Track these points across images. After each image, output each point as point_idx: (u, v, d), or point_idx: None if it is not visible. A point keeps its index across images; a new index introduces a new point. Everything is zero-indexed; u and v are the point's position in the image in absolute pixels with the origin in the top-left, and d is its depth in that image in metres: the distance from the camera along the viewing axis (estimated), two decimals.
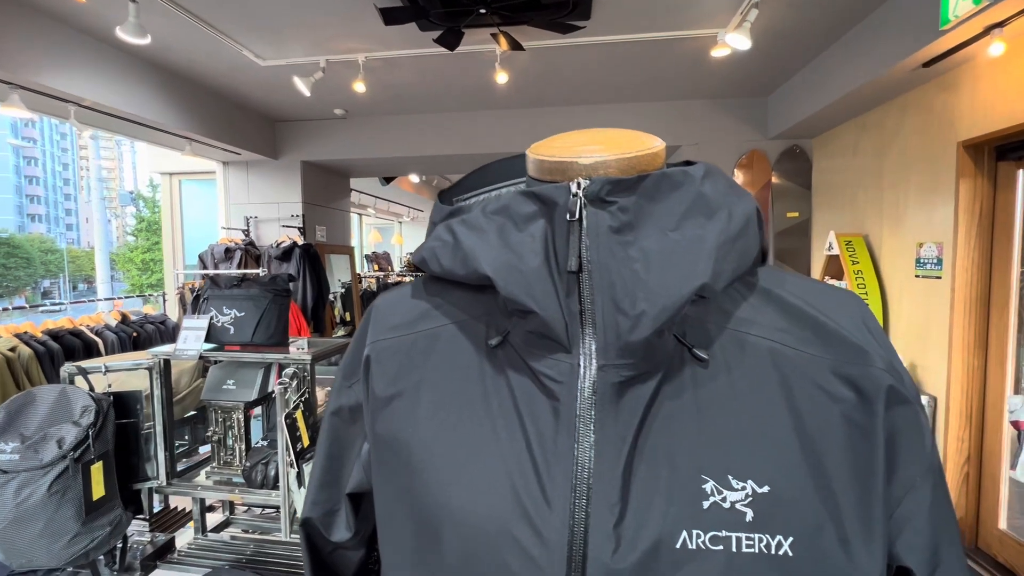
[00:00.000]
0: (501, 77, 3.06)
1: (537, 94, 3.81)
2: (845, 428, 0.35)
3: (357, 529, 0.48)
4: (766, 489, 0.34)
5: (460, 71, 3.32)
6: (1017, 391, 2.29)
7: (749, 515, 0.33)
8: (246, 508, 2.02)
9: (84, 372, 1.46)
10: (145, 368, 1.51)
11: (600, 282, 0.36)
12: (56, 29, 2.66)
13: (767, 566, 0.33)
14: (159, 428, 1.51)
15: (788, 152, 3.90)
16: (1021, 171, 2.30)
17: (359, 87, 3.16)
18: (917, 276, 2.68)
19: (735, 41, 2.45)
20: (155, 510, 1.87)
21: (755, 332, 0.37)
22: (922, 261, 2.63)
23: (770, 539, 0.33)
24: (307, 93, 3.15)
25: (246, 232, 4.44)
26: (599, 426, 0.35)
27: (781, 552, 0.33)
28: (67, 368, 1.48)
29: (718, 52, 2.81)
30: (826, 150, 3.68)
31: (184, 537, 1.76)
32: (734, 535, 0.33)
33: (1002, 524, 2.40)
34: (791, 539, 0.33)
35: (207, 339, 1.52)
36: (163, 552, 1.62)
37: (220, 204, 4.64)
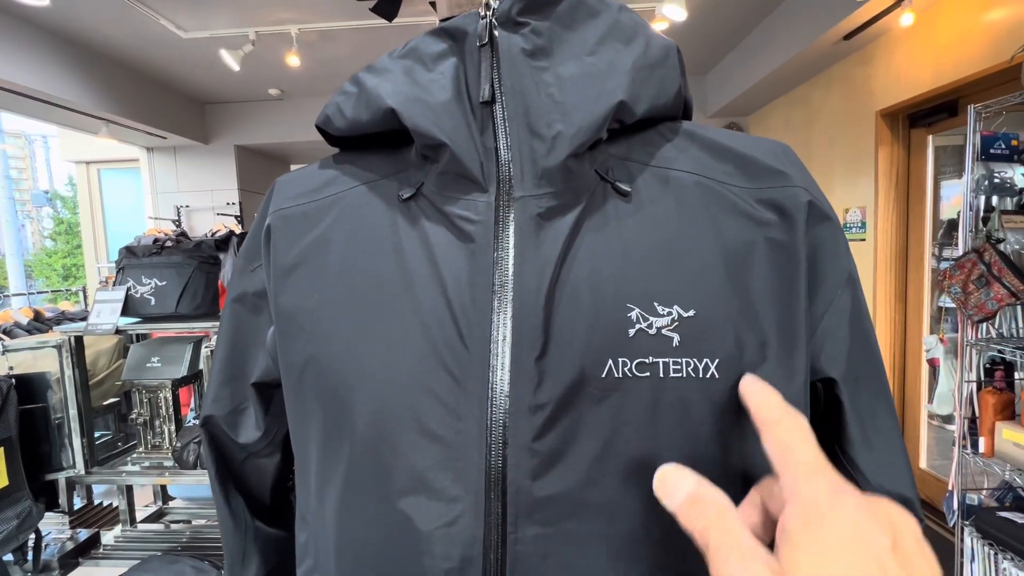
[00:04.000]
0: None
1: None
2: (769, 250, 0.34)
3: (268, 428, 0.44)
4: (691, 313, 0.33)
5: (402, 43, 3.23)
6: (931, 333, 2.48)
7: (675, 340, 0.32)
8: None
9: None
10: (52, 347, 1.37)
11: (514, 108, 0.34)
12: None
13: (694, 389, 0.32)
14: (73, 412, 1.37)
15: (727, 129, 4.05)
16: (931, 136, 2.48)
17: (293, 60, 3.01)
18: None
19: (671, 12, 2.50)
20: (76, 507, 1.71)
21: (678, 167, 0.36)
22: (848, 225, 2.80)
23: (697, 362, 0.32)
24: (236, 68, 2.96)
25: (177, 222, 4.17)
26: (518, 261, 0.33)
27: (708, 375, 0.32)
28: None
29: (656, 26, 2.87)
30: (761, 127, 3.85)
31: (114, 533, 1.62)
32: (660, 361, 0.32)
33: (923, 464, 2.61)
34: (717, 361, 0.32)
35: (125, 313, 1.39)
36: (86, 548, 1.48)
37: (146, 193, 4.33)
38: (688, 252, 0.34)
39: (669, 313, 0.32)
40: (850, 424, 0.37)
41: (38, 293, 4.66)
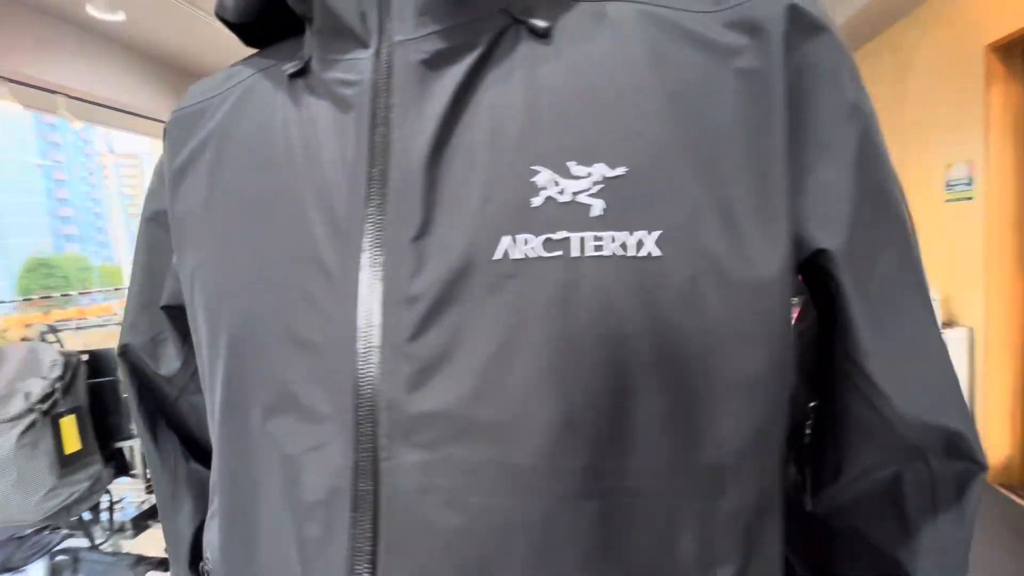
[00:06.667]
0: None
1: None
2: (738, 84, 0.25)
3: (187, 358, 0.40)
4: (621, 171, 0.24)
5: None
6: None
7: (597, 207, 0.24)
8: None
9: (55, 330, 1.44)
10: (116, 324, 1.48)
11: None
12: (38, 20, 2.67)
13: (624, 271, 0.24)
14: None
15: None
16: None
17: None
18: (948, 201, 2.47)
19: None
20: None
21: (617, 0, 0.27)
22: (951, 183, 2.43)
23: (628, 236, 0.24)
24: None
25: None
26: (399, 122, 0.27)
27: (643, 252, 0.24)
28: (39, 327, 1.47)
29: None
30: None
31: None
32: (575, 236, 0.24)
33: None
34: (658, 233, 0.24)
35: None
36: (157, 511, 1.60)
37: None
38: (621, 97, 0.25)
39: (589, 174, 0.24)
40: (857, 320, 0.26)
41: None
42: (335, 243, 0.27)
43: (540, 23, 0.26)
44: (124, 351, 0.40)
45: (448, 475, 0.25)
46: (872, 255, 0.26)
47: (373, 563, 0.25)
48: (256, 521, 0.29)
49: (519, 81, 0.26)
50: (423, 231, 0.25)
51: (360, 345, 0.25)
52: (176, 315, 0.39)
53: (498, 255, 0.24)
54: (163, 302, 0.39)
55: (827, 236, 0.26)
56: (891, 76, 2.87)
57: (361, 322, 0.26)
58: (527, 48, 0.26)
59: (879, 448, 0.29)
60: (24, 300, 1.97)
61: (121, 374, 0.42)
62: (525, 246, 0.24)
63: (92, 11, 2.30)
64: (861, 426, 0.29)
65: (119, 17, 2.37)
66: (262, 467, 0.29)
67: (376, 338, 0.25)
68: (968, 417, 0.28)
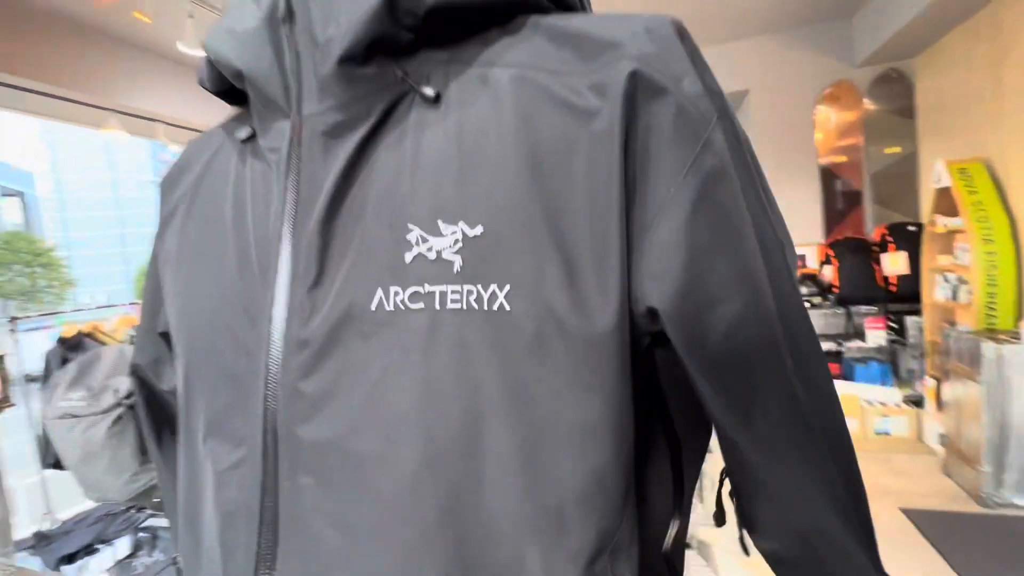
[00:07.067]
0: None
1: None
2: (591, 146, 0.26)
3: None
4: (479, 231, 0.26)
5: None
6: None
7: (457, 264, 0.26)
8: None
9: None
10: None
11: (303, 21, 0.31)
12: (138, 56, 3.04)
13: (480, 323, 0.26)
14: None
15: (883, 78, 3.36)
16: None
17: None
18: None
19: None
20: None
21: (501, 64, 0.29)
22: None
23: (481, 290, 0.26)
24: None
25: None
26: (305, 186, 0.30)
27: (496, 306, 0.26)
28: (129, 332, 1.67)
29: None
30: (932, 68, 3.12)
31: None
32: (438, 289, 0.26)
33: None
34: (507, 287, 0.26)
35: None
36: None
37: None
38: (487, 160, 0.27)
39: (453, 232, 0.26)
40: (703, 394, 0.28)
41: None
42: (257, 291, 0.31)
43: (430, 91, 0.29)
44: (134, 370, 0.47)
45: (332, 499, 0.28)
46: (705, 314, 0.26)
47: (272, 568, 0.29)
48: (200, 525, 0.34)
49: (408, 145, 0.28)
50: (316, 282, 0.29)
51: (269, 379, 0.29)
52: (169, 340, 0.45)
53: (373, 306, 0.27)
54: (159, 329, 0.44)
55: (655, 292, 0.26)
56: (989, 58, 2.56)
57: (271, 361, 0.29)
58: (418, 114, 0.29)
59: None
60: (130, 304, 2.25)
61: (134, 389, 0.48)
62: (396, 298, 0.27)
63: (182, 47, 2.58)
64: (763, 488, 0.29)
65: (203, 53, 2.64)
66: (203, 480, 0.33)
67: (277, 375, 0.29)
68: (851, 521, 0.28)
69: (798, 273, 0.36)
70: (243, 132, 0.35)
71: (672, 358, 0.28)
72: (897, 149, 3.37)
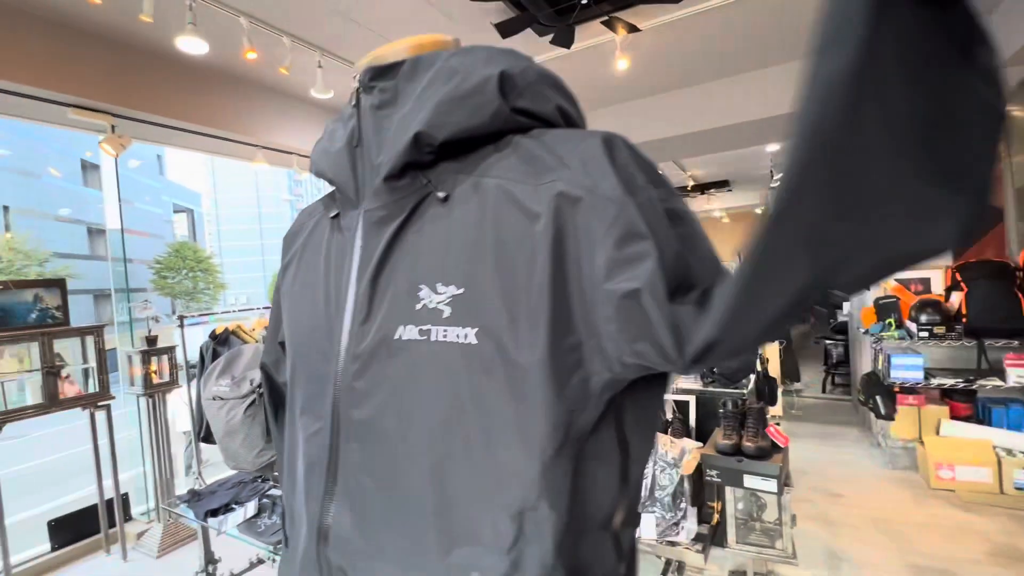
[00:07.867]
0: (621, 64, 3.05)
1: (657, 79, 3.65)
2: (534, 241, 0.39)
3: None
4: (462, 291, 0.40)
5: (573, 72, 3.41)
6: None
7: (447, 312, 0.40)
8: None
9: None
10: None
11: (367, 148, 0.48)
12: (278, 100, 3.62)
13: (458, 351, 0.40)
14: None
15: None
16: None
17: None
18: None
19: None
20: None
21: (489, 175, 0.43)
22: None
23: (459, 330, 0.40)
24: None
25: None
26: (363, 254, 0.47)
27: (467, 340, 0.39)
28: (262, 332, 2.04)
29: None
30: None
31: None
32: (434, 327, 0.41)
33: None
34: (476, 329, 0.39)
35: None
36: None
37: None
38: (470, 243, 0.41)
39: (446, 291, 0.41)
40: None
41: None
42: (334, 322, 0.48)
43: (442, 194, 0.44)
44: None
45: (367, 457, 0.44)
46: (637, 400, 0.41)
47: (332, 496, 0.46)
48: (295, 471, 0.51)
49: (427, 231, 0.44)
50: (365, 319, 0.45)
51: (336, 380, 0.46)
52: (284, 347, 0.64)
53: (396, 336, 0.42)
54: (279, 339, 0.64)
55: (598, 368, 0.39)
56: None
57: (338, 368, 0.46)
58: (434, 209, 0.44)
59: None
60: (264, 308, 2.69)
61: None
62: (408, 332, 0.42)
63: (314, 93, 3.06)
64: None
65: (330, 95, 3.10)
66: (297, 442, 0.51)
67: (340, 377, 0.46)
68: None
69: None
70: (332, 211, 0.53)
71: (642, 397, 0.41)
72: None
